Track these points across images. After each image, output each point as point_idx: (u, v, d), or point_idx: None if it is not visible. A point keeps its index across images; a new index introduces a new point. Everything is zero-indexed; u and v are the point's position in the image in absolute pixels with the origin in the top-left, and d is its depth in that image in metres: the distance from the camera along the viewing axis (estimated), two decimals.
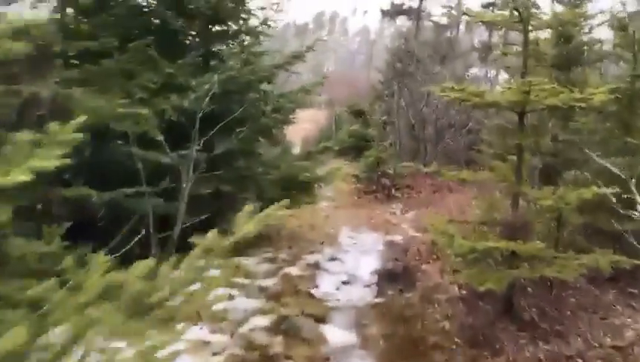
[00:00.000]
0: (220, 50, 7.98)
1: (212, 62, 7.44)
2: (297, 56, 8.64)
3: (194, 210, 7.71)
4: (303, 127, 29.18)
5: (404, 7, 29.17)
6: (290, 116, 8.69)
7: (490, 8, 31.81)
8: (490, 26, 30.82)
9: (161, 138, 6.41)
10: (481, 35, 34.30)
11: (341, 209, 12.02)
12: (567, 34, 10.54)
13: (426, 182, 13.78)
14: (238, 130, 7.49)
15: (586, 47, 10.30)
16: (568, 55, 10.68)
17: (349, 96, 26.86)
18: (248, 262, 7.83)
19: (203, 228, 7.24)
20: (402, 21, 31.18)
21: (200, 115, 6.01)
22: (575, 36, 10.99)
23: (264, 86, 8.54)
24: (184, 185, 5.96)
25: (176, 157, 6.23)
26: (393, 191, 12.96)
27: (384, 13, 30.28)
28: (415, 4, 28.93)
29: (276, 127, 8.55)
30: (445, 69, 18.82)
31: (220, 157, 8.02)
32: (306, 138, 26.74)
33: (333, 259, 8.23)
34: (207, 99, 6.62)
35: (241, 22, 8.56)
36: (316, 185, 8.85)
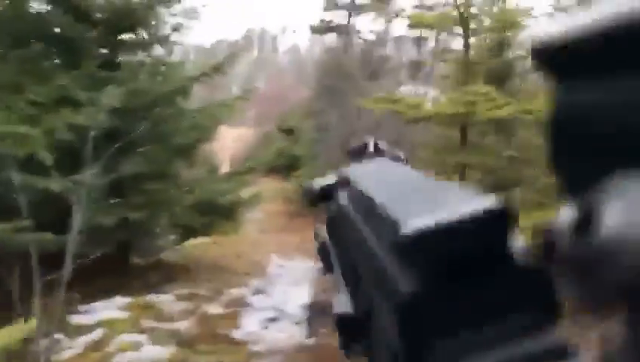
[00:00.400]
0: (126, 60, 7.04)
1: (115, 74, 6.51)
2: (217, 68, 7.83)
3: (96, 243, 6.72)
4: (231, 145, 28.26)
5: (333, 24, 28.87)
6: (210, 134, 7.84)
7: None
8: (428, 29, 31.06)
9: (49, 161, 5.43)
10: (409, 52, 34.59)
11: (270, 234, 11.20)
12: (504, 41, 10.19)
13: None
14: (145, 149, 6.59)
15: (523, 56, 10.01)
16: (503, 65, 10.34)
17: (279, 113, 26.24)
18: (161, 299, 6.87)
19: (108, 261, 6.20)
20: (332, 38, 30.92)
21: (94, 133, 5.07)
22: (511, 44, 10.65)
23: (179, 101, 7.65)
24: (76, 216, 4.98)
25: (67, 183, 5.25)
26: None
27: (313, 30, 29.89)
28: (344, 21, 28.69)
29: (194, 146, 7.67)
30: (375, 85, 18.51)
31: (129, 181, 7.08)
32: (234, 157, 25.81)
33: (259, 292, 7.40)
34: (106, 115, 5.69)
35: (152, 30, 7.68)
36: (240, 210, 8.01)
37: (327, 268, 0.61)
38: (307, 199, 0.71)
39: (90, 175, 4.93)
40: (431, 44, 33.40)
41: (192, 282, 7.64)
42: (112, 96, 5.89)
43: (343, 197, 0.54)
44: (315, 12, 29.45)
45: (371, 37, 30.30)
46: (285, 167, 17.85)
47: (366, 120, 15.88)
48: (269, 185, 16.05)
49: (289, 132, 19.53)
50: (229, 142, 28.83)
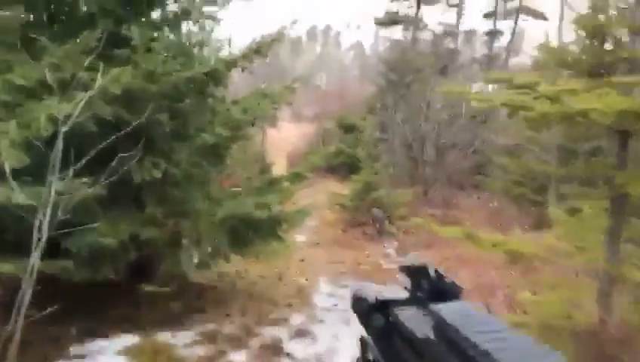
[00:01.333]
0: (138, 33, 5.54)
1: (122, 51, 5.08)
2: (258, 51, 6.30)
3: (97, 266, 5.33)
4: (291, 141, 26.90)
5: (400, 15, 26.95)
6: (246, 131, 6.32)
7: (493, 18, 29.86)
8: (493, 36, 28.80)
9: (19, 164, 4.05)
10: (480, 47, 32.30)
11: (321, 248, 9.61)
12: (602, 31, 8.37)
13: (427, 213, 11.39)
14: (163, 148, 5.15)
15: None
16: (607, 60, 8.43)
17: (339, 109, 24.66)
18: (176, 340, 5.41)
19: (118, 288, 4.71)
20: (397, 32, 29.03)
21: (65, 128, 3.63)
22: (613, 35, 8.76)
23: (210, 89, 6.18)
24: (37, 236, 3.54)
25: (37, 193, 3.82)
26: (386, 224, 10.55)
27: (378, 21, 28.09)
28: (411, 12, 26.74)
29: (225, 146, 6.16)
30: (446, 81, 16.64)
31: (149, 189, 5.68)
32: (293, 154, 24.40)
33: (301, 333, 5.82)
34: (100, 104, 4.26)
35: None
36: (282, 227, 6.46)
37: None
38: (357, 309, 0.68)
39: (56, 183, 3.48)
40: (505, 38, 31.05)
41: (219, 314, 6.16)
42: (113, 77, 4.46)
43: (416, 319, 0.59)
44: (380, 6, 27.52)
45: (440, 29, 28.25)
46: (344, 165, 16.25)
47: (434, 119, 14.05)
48: (325, 188, 14.49)
49: (349, 129, 17.91)
50: (288, 138, 27.53)
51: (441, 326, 0.54)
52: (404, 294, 0.70)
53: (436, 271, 0.68)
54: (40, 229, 3.42)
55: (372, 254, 9.25)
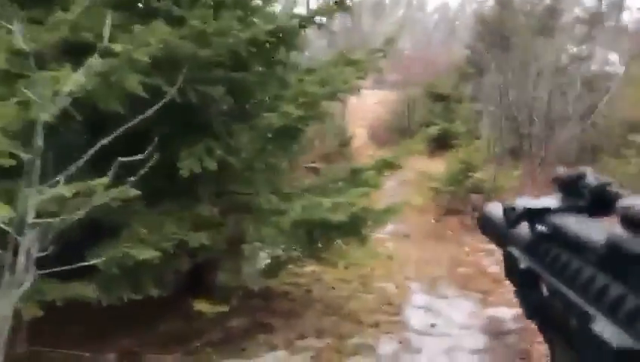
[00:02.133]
0: None
1: (160, 4, 3.87)
2: (339, 3, 4.93)
3: (135, 282, 4.26)
4: (370, 110, 25.19)
5: None
6: (323, 108, 4.99)
7: None
8: None
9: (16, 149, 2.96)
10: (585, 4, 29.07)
11: (410, 241, 8.23)
12: None
13: None
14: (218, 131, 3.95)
15: None
16: None
17: (425, 76, 22.72)
18: None
19: (167, 304, 3.56)
20: None
21: (45, 116, 2.46)
22: None
23: (280, 54, 4.89)
24: (6, 283, 2.41)
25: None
26: None
27: None
28: None
29: (298, 128, 4.86)
30: (549, 43, 14.55)
31: (202, 181, 4.54)
32: (374, 126, 22.80)
33: None
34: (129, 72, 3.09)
35: None
36: (367, 227, 5.14)
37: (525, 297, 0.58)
38: (504, 219, 0.63)
39: (34, 197, 2.32)
40: None
41: (290, 334, 4.97)
42: (138, 39, 3.26)
43: (582, 226, 0.53)
44: None
45: None
46: (435, 140, 14.49)
47: (543, 87, 12.12)
48: (412, 164, 12.97)
49: (439, 98, 16.18)
50: (369, 107, 25.77)
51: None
52: (553, 203, 0.59)
53: (598, 178, 0.58)
54: (12, 268, 2.28)
55: (473, 251, 7.76)
